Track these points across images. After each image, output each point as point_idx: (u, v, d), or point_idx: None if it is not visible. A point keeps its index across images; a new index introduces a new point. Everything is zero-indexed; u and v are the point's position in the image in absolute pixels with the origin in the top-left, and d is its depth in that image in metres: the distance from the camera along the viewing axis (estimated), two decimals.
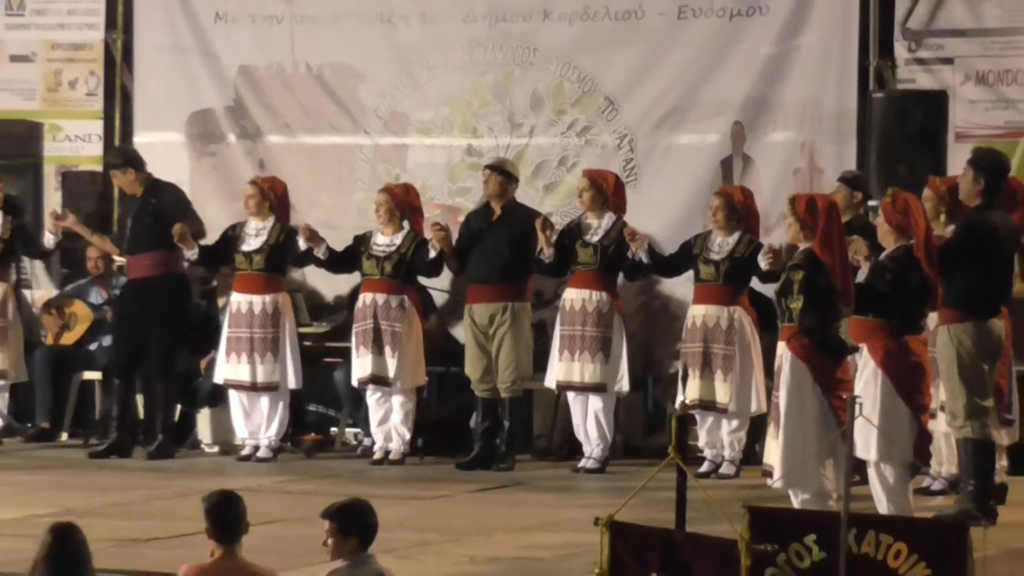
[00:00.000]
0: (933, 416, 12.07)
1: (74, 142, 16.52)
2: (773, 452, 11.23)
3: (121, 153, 15.07)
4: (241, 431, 14.65)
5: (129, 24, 16.30)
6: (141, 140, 15.73)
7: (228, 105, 16.19)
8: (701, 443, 13.84)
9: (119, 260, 15.10)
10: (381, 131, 15.96)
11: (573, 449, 14.34)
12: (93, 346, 15.54)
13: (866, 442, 10.85)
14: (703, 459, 13.72)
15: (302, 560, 9.81)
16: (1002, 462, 12.45)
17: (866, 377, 11.12)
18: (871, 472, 11.21)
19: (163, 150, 15.56)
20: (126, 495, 12.97)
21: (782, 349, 11.26)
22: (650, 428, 14.95)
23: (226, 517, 9.21)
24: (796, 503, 11.02)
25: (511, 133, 15.58)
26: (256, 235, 14.60)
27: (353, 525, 9.37)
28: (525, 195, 14.92)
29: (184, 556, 9.51)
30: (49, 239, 14.92)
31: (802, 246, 11.22)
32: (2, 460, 14.61)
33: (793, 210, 11.24)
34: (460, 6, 15.72)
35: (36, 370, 15.64)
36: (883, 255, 11.26)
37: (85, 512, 12.02)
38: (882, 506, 11.02)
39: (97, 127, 16.48)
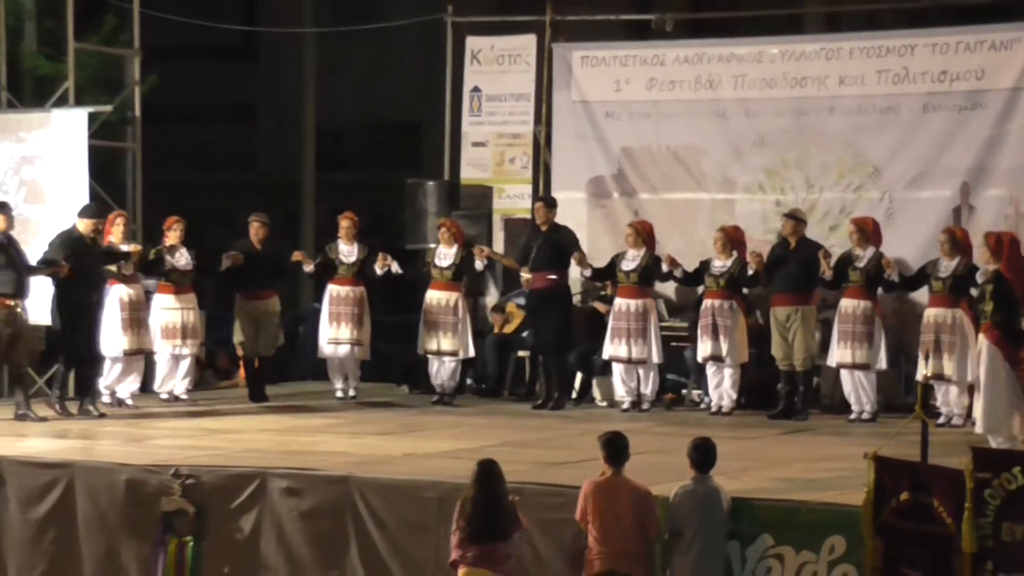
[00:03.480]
0: None
1: (512, 199, 16.65)
2: (976, 409, 11.46)
3: (553, 199, 15.10)
4: (620, 392, 14.68)
5: (549, 120, 16.42)
6: (557, 197, 15.88)
7: (614, 173, 16.22)
8: (938, 403, 13.53)
9: (525, 276, 14.99)
10: (717, 190, 15.85)
11: (849, 407, 14.10)
12: (525, 334, 15.67)
13: None
14: (939, 413, 13.41)
15: (664, 478, 9.77)
16: None
17: None
18: None
19: (571, 204, 15.64)
20: (544, 433, 13.02)
21: (981, 339, 11.44)
22: (903, 393, 14.66)
23: (616, 448, 9.31)
24: (994, 445, 10.86)
25: (807, 191, 15.36)
26: (632, 260, 14.61)
27: (700, 457, 9.40)
28: (816, 233, 14.75)
29: (585, 474, 9.63)
30: (478, 264, 15.02)
31: (991, 267, 11.28)
32: (462, 410, 14.74)
33: (986, 243, 11.66)
34: (772, 105, 15.54)
35: (487, 350, 15.87)
36: None
37: (517, 444, 12.20)
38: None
39: (527, 189, 16.58)
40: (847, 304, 13.95)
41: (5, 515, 11.30)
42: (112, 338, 14.28)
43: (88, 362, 13.84)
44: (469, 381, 15.78)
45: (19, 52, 17.82)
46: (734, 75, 15.74)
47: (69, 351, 13.73)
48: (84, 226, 13.74)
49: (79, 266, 13.48)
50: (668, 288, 15.38)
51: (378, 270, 15.07)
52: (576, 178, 16.25)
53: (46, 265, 13.48)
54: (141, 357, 14.58)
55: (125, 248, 14.27)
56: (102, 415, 13.72)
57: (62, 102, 16.06)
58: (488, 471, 9.11)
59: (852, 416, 13.90)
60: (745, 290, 14.60)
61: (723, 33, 16.87)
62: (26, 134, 15.51)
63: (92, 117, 15.56)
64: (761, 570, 9.34)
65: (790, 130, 15.51)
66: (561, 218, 14.94)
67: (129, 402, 14.51)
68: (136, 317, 14.40)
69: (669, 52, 16.05)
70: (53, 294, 13.60)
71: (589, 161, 16.24)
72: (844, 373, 14.02)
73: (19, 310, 13.36)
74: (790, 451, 12.09)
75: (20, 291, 13.35)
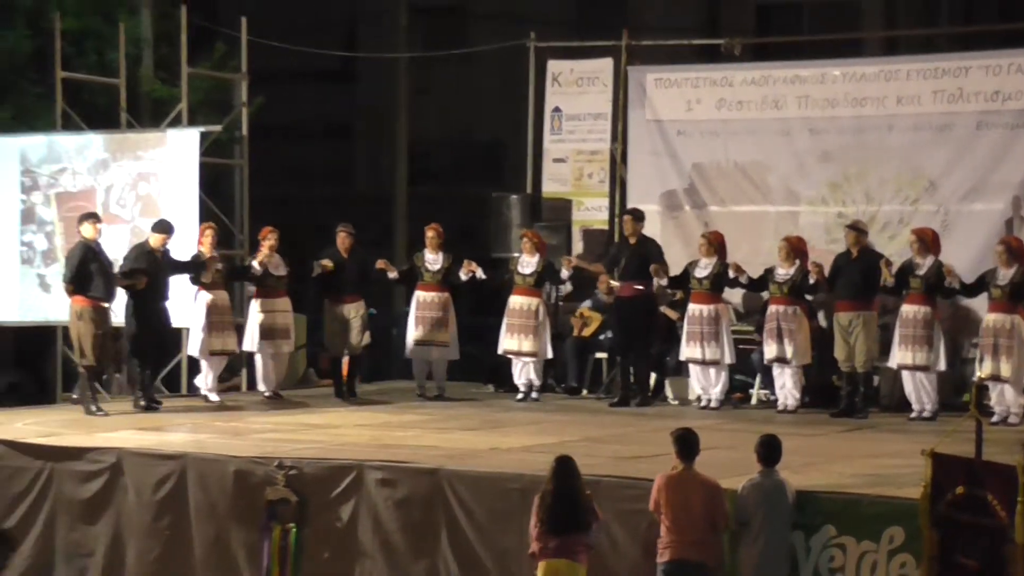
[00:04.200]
0: None
1: (590, 211, 16.62)
2: None
3: (640, 212, 15.00)
4: (696, 391, 14.61)
5: (625, 138, 16.40)
6: None
7: (685, 187, 16.18)
8: (993, 402, 13.37)
9: (615, 284, 15.01)
10: (781, 203, 15.77)
11: (906, 406, 13.96)
12: (602, 337, 15.66)
13: None
14: (993, 412, 13.25)
15: (732, 472, 9.73)
16: None
17: None
18: None
19: (645, 216, 15.63)
20: (620, 429, 12.94)
21: None
22: (954, 392, 14.49)
23: (687, 443, 9.27)
24: None
25: (867, 203, 15.25)
26: (705, 268, 14.55)
27: (766, 452, 9.34)
28: (876, 244, 14.62)
29: (657, 468, 9.61)
30: (564, 273, 15.00)
31: None
32: (543, 407, 14.68)
33: None
34: (835, 123, 15.46)
35: (567, 352, 15.86)
36: None
37: (595, 439, 12.16)
38: None
39: (604, 202, 16.55)
40: (908, 309, 13.81)
41: (124, 503, 11.46)
42: (198, 340, 14.62)
43: (154, 363, 14.28)
44: (550, 381, 15.78)
45: (138, 77, 18.13)
46: (798, 96, 15.66)
47: (139, 353, 14.08)
48: (155, 240, 14.06)
49: (148, 276, 13.80)
50: (736, 295, 15.29)
51: (463, 276, 15.13)
52: (650, 192, 16.20)
53: (125, 276, 13.81)
54: (225, 357, 14.88)
55: (204, 257, 14.50)
56: (159, 404, 14.08)
57: (176, 123, 16.31)
58: (565, 466, 9.10)
59: (913, 415, 13.76)
60: (809, 297, 14.50)
61: (788, 56, 16.77)
62: (143, 152, 15.76)
63: (203, 136, 15.79)
64: (824, 559, 9.28)
65: (851, 147, 15.40)
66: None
67: (214, 397, 14.70)
68: (220, 321, 14.66)
69: (737, 74, 16.00)
70: (127, 302, 13.93)
71: (662, 176, 16.21)
72: (906, 374, 13.88)
73: (109, 313, 13.75)
74: (851, 447, 11.98)
75: (109, 295, 13.73)
